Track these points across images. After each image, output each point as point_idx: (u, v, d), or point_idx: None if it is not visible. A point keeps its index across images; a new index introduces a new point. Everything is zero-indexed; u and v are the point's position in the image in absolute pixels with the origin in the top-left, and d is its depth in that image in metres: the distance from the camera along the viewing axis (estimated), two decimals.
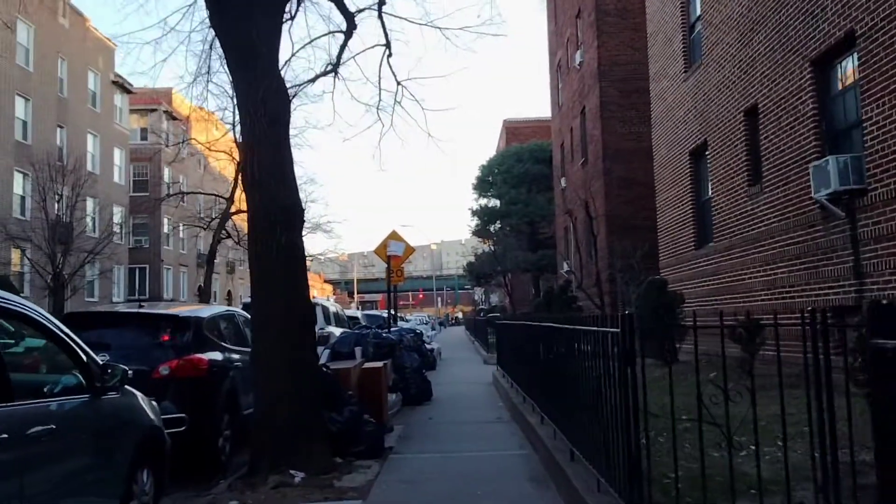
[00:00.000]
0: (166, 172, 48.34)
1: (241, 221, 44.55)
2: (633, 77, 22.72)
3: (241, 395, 7.94)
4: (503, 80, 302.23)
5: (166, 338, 7.56)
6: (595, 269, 17.65)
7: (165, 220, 47.83)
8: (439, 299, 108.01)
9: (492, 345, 23.16)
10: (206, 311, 8.40)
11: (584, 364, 5.30)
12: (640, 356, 4.39)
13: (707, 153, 13.58)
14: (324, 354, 9.82)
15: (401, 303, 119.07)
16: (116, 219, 42.13)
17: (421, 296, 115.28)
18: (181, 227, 48.77)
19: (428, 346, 21.21)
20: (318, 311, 13.86)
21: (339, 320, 15.33)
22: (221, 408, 7.65)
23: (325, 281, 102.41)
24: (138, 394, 5.63)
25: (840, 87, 9.23)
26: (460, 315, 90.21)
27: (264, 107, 7.09)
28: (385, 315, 30.42)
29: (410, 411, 11.54)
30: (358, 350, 10.11)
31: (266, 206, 7.04)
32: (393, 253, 17.53)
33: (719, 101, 12.69)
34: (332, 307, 15.59)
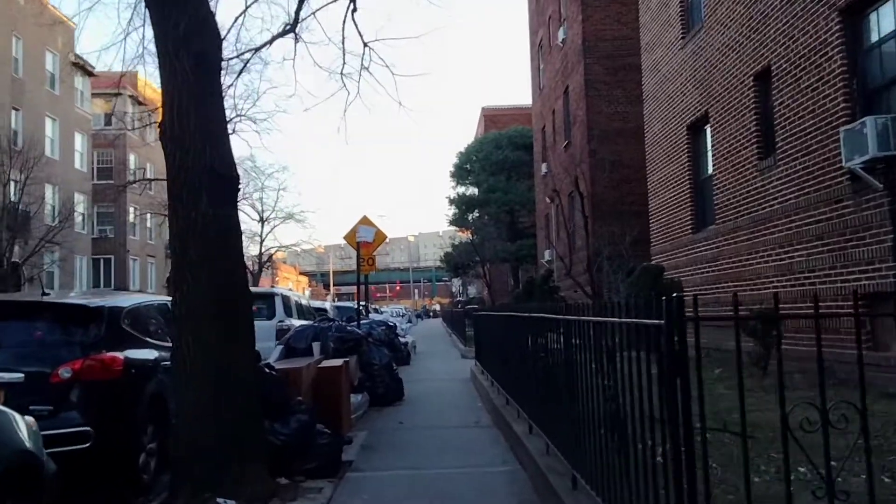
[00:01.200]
0: (132, 159, 46.47)
1: None
2: (619, 53, 21.47)
3: (172, 401, 6.52)
4: (481, 67, 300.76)
5: (73, 332, 6.16)
6: (587, 253, 16.29)
7: (131, 209, 45.88)
8: (416, 291, 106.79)
9: (470, 338, 21.85)
10: (126, 301, 6.96)
11: (599, 367, 3.96)
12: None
13: (708, 126, 12.33)
14: (276, 351, 8.41)
15: (377, 295, 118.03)
16: (78, 207, 40.28)
17: (398, 288, 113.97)
18: (148, 216, 46.82)
19: (402, 340, 19.84)
20: (278, 301, 12.43)
21: (302, 312, 13.89)
22: (143, 417, 6.27)
23: (301, 273, 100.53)
24: (5, 410, 4.26)
25: (876, 37, 7.97)
26: (438, 307, 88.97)
27: (187, 45, 5.63)
28: (367, 308, 29.06)
29: (378, 414, 10.17)
30: (316, 346, 8.70)
31: (188, 169, 5.61)
32: (363, 239, 16.09)
33: (723, 66, 11.42)
34: (295, 297, 14.11)
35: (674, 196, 13.91)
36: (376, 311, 33.78)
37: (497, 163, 38.42)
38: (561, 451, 5.12)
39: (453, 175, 41.57)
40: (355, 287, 22.07)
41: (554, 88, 26.73)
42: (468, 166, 40.42)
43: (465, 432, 8.51)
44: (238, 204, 5.98)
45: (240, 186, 6.04)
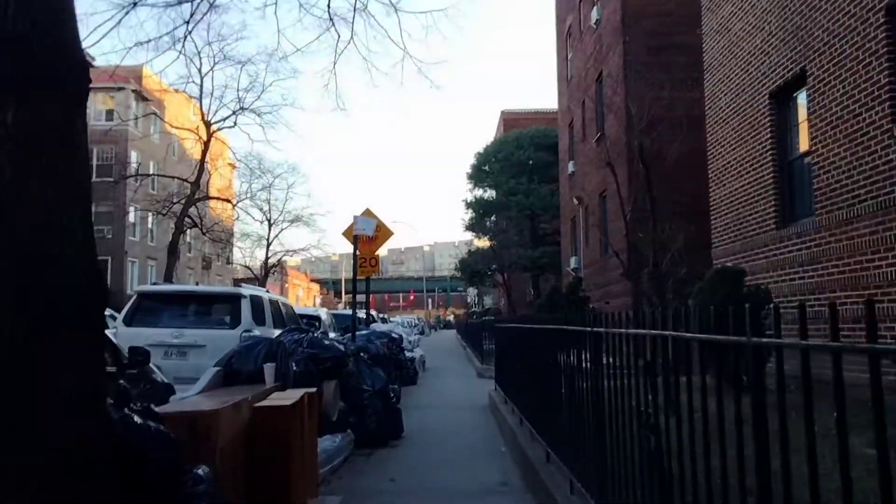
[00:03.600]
0: (133, 156, 44.37)
1: (207, 208, 40.46)
2: (662, 31, 18.78)
3: None
4: (501, 72, 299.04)
5: None
6: (652, 244, 13.05)
7: (132, 209, 43.62)
8: (430, 301, 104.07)
9: (487, 353, 19.08)
10: None
11: None
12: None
13: (804, 89, 9.53)
14: (205, 377, 5.69)
15: (391, 304, 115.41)
16: None
17: (412, 297, 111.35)
18: (150, 217, 44.62)
19: (408, 355, 17.10)
20: (244, 304, 9.70)
21: (282, 319, 11.16)
22: None
23: (312, 280, 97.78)
24: None
25: None
26: (452, 318, 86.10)
27: None
28: (368, 316, 26.26)
29: (364, 462, 7.43)
30: (269, 369, 5.97)
31: None
32: (361, 232, 13.37)
33: (832, 3, 8.63)
34: (272, 299, 11.34)
35: (747, 184, 11.09)
36: (384, 320, 31.02)
37: (518, 164, 35.67)
38: None
39: (471, 177, 38.81)
40: (366, 295, 19.37)
41: (585, 77, 23.99)
42: (487, 168, 37.67)
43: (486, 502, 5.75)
44: (83, 107, 3.26)
45: (90, 85, 3.32)
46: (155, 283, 10.85)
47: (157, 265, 47.60)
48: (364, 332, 14.37)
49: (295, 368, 6.38)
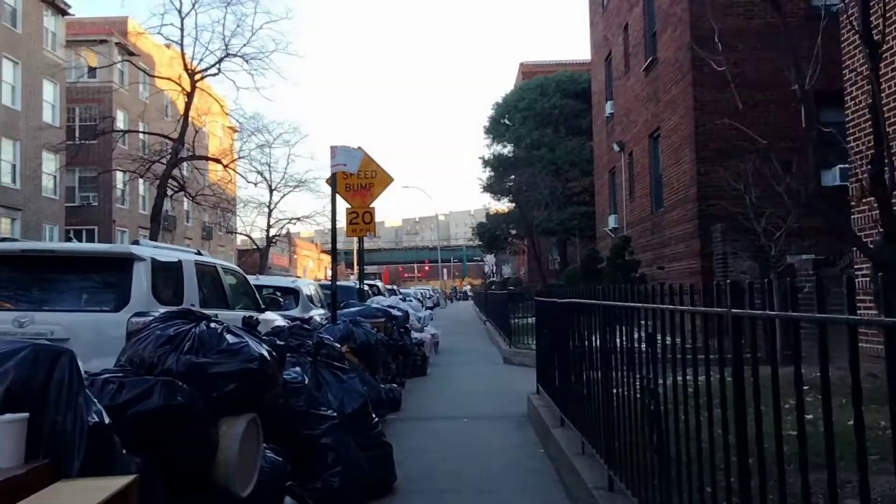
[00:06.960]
0: (121, 116, 40.72)
1: (204, 173, 36.77)
2: None
3: None
4: (519, 21, 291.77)
5: None
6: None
7: (119, 175, 40.02)
8: (445, 271, 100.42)
9: (516, 333, 15.32)
10: None
11: None
12: None
13: None
14: None
15: (405, 275, 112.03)
16: (47, 167, 34.63)
17: (427, 268, 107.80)
18: (140, 184, 40.95)
19: (416, 336, 13.37)
20: (139, 271, 5.91)
21: (219, 293, 7.42)
22: None
23: (323, 251, 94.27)
24: None
25: None
26: (468, 288, 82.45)
27: None
28: (371, 287, 22.50)
29: None
30: (6, 428, 2.25)
31: None
32: (341, 168, 9.52)
33: None
34: (199, 261, 7.42)
35: None
36: (393, 292, 27.27)
37: (542, 114, 31.51)
38: None
39: (488, 131, 34.69)
40: (382, 266, 15.45)
41: None
42: (506, 120, 33.53)
43: None
44: None
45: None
46: (2, 240, 7.04)
47: (150, 235, 44.25)
48: (354, 309, 10.66)
49: (97, 420, 2.57)
